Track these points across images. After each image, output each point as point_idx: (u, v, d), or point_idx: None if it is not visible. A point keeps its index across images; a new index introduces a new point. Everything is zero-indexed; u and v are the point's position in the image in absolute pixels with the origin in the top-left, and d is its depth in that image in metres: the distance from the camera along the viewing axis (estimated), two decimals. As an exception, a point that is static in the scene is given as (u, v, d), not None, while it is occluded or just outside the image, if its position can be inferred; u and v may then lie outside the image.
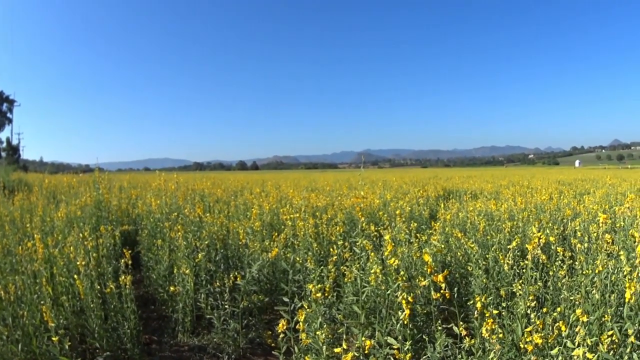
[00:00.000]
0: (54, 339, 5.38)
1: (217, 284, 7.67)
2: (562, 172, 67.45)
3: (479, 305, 4.79)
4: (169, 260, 8.70)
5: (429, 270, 4.85)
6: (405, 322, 4.56)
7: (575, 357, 3.65)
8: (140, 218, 12.14)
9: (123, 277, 6.86)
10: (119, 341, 6.86)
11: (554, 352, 3.99)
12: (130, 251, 7.63)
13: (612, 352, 4.06)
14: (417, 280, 5.76)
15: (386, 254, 5.12)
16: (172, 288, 7.82)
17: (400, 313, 4.62)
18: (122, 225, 12.02)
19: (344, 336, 5.78)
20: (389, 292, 5.26)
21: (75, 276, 6.82)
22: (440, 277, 4.64)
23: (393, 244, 5.34)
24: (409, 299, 4.53)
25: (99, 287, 6.97)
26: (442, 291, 4.73)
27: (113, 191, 16.57)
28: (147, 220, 10.81)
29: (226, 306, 7.25)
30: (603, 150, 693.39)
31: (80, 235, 8.15)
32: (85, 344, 6.94)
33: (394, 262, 5.08)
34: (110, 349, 6.76)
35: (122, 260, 7.33)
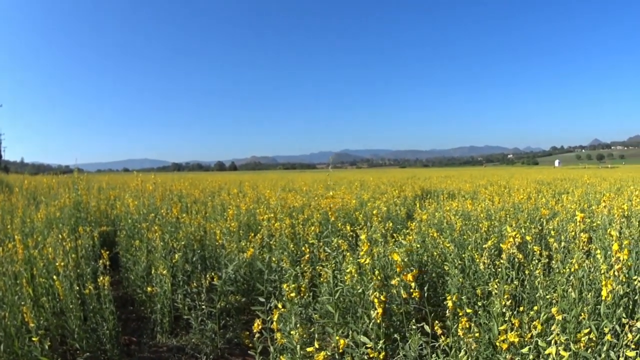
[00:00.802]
0: (34, 339, 5.39)
1: (194, 284, 7.68)
2: (542, 172, 67.52)
3: (450, 304, 4.81)
4: (147, 261, 8.70)
5: (398, 269, 4.91)
6: (379, 321, 4.60)
7: (548, 356, 3.69)
8: (119, 219, 12.12)
9: (101, 278, 6.90)
10: (99, 342, 6.88)
11: (524, 350, 4.03)
12: (108, 252, 7.64)
13: (590, 350, 4.10)
14: (392, 280, 5.81)
15: (361, 253, 5.16)
16: (149, 289, 7.87)
17: (373, 312, 4.66)
18: (101, 226, 11.95)
19: (321, 336, 5.83)
20: (360, 290, 5.32)
21: (55, 277, 6.82)
22: (409, 277, 4.71)
23: (369, 244, 5.38)
24: (382, 298, 4.58)
25: (77, 288, 6.95)
26: (411, 290, 4.79)
27: (92, 192, 16.55)
28: (125, 221, 10.83)
29: (203, 307, 7.27)
30: (583, 150, 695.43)
31: (60, 236, 8.15)
32: (66, 345, 6.94)
33: (366, 261, 5.12)
34: (90, 349, 6.77)
35: (101, 261, 7.34)
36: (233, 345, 7.51)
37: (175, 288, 7.93)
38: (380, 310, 4.55)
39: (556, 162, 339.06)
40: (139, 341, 7.76)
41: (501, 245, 5.99)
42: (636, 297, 4.87)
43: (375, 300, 4.58)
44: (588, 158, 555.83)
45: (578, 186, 21.42)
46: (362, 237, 5.66)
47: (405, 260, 7.04)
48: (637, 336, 3.85)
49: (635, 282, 4.84)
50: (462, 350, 4.16)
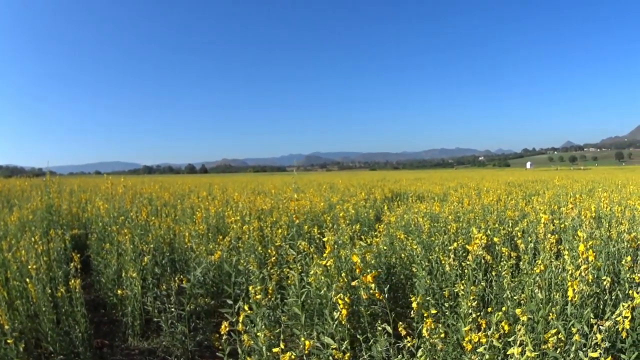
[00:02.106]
0: (9, 341, 5.42)
1: (164, 287, 7.71)
2: (513, 174, 67.89)
3: (415, 305, 4.86)
4: (118, 264, 8.71)
5: (358, 271, 4.94)
6: (343, 322, 4.64)
7: (510, 356, 3.74)
8: (90, 222, 12.15)
9: (73, 281, 6.89)
10: (72, 345, 6.87)
11: (480, 349, 4.07)
12: (80, 255, 7.66)
13: (559, 350, 4.15)
14: (362, 282, 5.86)
15: (325, 255, 5.20)
16: (119, 291, 7.91)
17: (336, 313, 4.70)
18: (73, 229, 11.96)
19: (289, 337, 5.89)
20: (322, 292, 5.37)
21: (28, 280, 6.83)
22: (369, 278, 4.74)
23: (334, 246, 5.43)
24: (346, 299, 4.60)
25: (50, 291, 6.97)
26: (371, 291, 4.84)
27: (63, 195, 16.51)
28: (96, 224, 10.81)
29: (172, 309, 7.27)
30: (555, 152, 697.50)
31: (32, 239, 8.16)
32: (40, 348, 6.93)
33: (328, 263, 5.17)
34: (64, 352, 6.77)
35: (72, 264, 7.38)
36: (203, 347, 7.54)
37: (145, 291, 7.95)
38: (344, 311, 4.57)
39: (528, 164, 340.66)
40: (111, 344, 7.74)
41: (467, 246, 6.06)
42: (606, 297, 4.95)
43: (339, 302, 4.59)
44: (560, 160, 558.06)
45: (549, 188, 21.56)
46: (325, 239, 5.72)
47: (373, 262, 7.13)
48: (601, 336, 3.90)
49: (605, 283, 4.93)
50: (420, 350, 4.19)
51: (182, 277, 7.46)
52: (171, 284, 7.34)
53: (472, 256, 5.83)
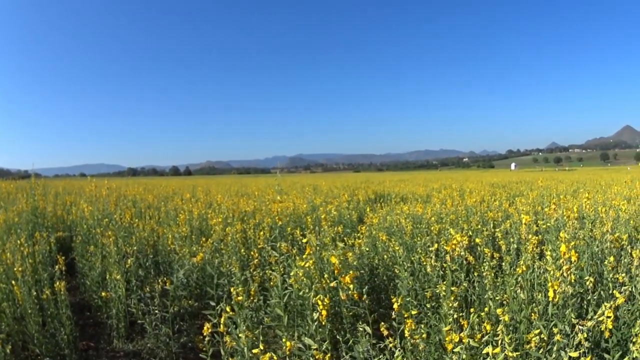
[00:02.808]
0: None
1: (148, 289, 7.73)
2: (497, 175, 67.72)
3: (395, 306, 4.87)
4: (102, 267, 8.70)
5: (336, 272, 4.96)
6: (324, 323, 4.71)
7: (492, 356, 3.75)
8: (75, 224, 12.11)
9: (58, 283, 6.91)
10: (58, 347, 6.88)
11: (456, 349, 4.08)
12: (64, 258, 7.67)
13: (541, 350, 4.16)
14: (341, 283, 5.87)
15: (304, 257, 5.22)
16: (104, 294, 7.90)
17: (315, 314, 4.74)
18: (57, 231, 11.94)
19: (273, 339, 5.92)
20: (302, 293, 5.41)
21: (13, 282, 6.83)
22: (347, 279, 4.78)
23: (316, 247, 5.46)
24: (325, 300, 4.64)
25: (35, 293, 6.98)
26: (350, 292, 4.86)
27: (49, 198, 16.45)
28: (81, 226, 10.79)
29: (156, 311, 7.31)
30: (540, 153, 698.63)
31: (18, 241, 8.15)
32: (27, 351, 6.94)
33: (307, 264, 5.19)
34: (50, 355, 6.79)
35: (57, 267, 7.40)
36: (188, 349, 7.57)
37: (129, 293, 7.96)
38: (324, 312, 4.61)
39: (512, 165, 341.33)
40: (96, 346, 7.77)
41: (445, 247, 6.09)
42: (589, 297, 4.98)
43: (319, 303, 4.64)
44: (545, 161, 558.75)
45: (533, 189, 21.48)
46: (305, 240, 5.75)
47: (355, 263, 7.16)
48: (583, 336, 3.92)
49: (588, 283, 4.96)
50: (397, 351, 4.21)
51: (165, 279, 7.49)
52: (155, 286, 7.45)
53: (450, 257, 5.85)
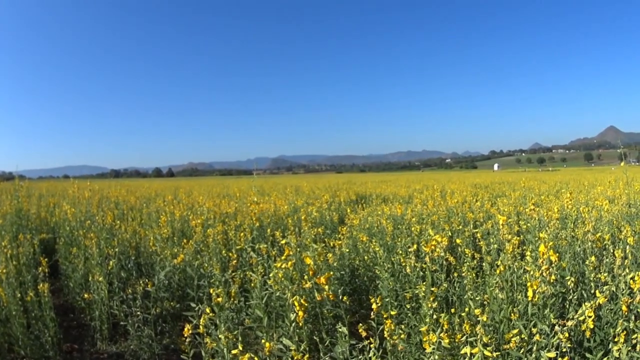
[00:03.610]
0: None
1: (130, 291, 7.69)
2: (480, 176, 67.83)
3: (374, 306, 4.87)
4: (85, 268, 8.71)
5: (310, 272, 4.97)
6: (301, 324, 4.74)
7: (464, 356, 3.76)
8: (58, 226, 12.09)
9: (41, 285, 6.93)
10: (42, 349, 6.90)
11: (428, 349, 4.10)
12: (48, 259, 7.66)
13: (522, 350, 4.17)
14: (316, 284, 5.87)
15: (283, 258, 5.23)
16: (86, 295, 7.89)
17: (292, 315, 4.77)
18: (41, 233, 11.90)
19: (255, 340, 5.92)
20: (278, 294, 5.45)
21: (-2, 284, 6.80)
22: (322, 280, 4.78)
23: (296, 249, 5.47)
24: (302, 301, 4.65)
25: (20, 295, 6.98)
26: (325, 293, 4.87)
27: (32, 199, 16.49)
28: (64, 228, 10.79)
29: (138, 313, 7.29)
30: (523, 154, 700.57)
31: (2, 243, 8.13)
32: (13, 353, 6.95)
33: (282, 265, 5.20)
34: (35, 356, 6.81)
35: (40, 269, 7.41)
36: (170, 350, 7.59)
37: (112, 295, 7.96)
38: (301, 313, 4.63)
39: (495, 166, 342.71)
40: (80, 348, 7.78)
41: (424, 248, 6.09)
42: (571, 297, 5.00)
43: (296, 304, 4.65)
44: (528, 162, 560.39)
45: (515, 189, 21.49)
46: (283, 242, 5.76)
47: (335, 264, 7.16)
48: (564, 336, 3.93)
49: (569, 283, 4.98)
50: (371, 351, 4.21)
51: (147, 280, 7.44)
52: (137, 288, 7.47)
53: (429, 257, 5.86)
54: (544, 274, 4.47)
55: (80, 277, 8.66)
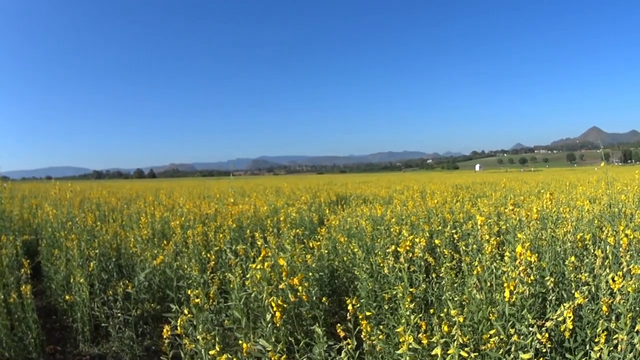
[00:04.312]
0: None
1: (111, 292, 7.68)
2: (461, 176, 67.88)
3: (350, 307, 4.89)
4: (66, 270, 8.68)
5: (284, 274, 5.04)
6: (278, 325, 4.79)
7: (436, 356, 3.78)
8: (40, 228, 12.14)
9: (24, 287, 6.97)
10: (26, 351, 6.94)
11: (400, 350, 4.12)
12: (31, 261, 7.67)
13: (501, 350, 4.18)
14: (289, 285, 5.90)
15: (259, 259, 5.25)
16: (67, 297, 7.91)
17: (268, 316, 4.85)
18: (24, 234, 11.90)
19: (234, 341, 5.93)
20: (254, 294, 5.51)
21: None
22: (295, 281, 4.85)
23: (274, 250, 5.48)
24: (279, 301, 4.71)
25: (3, 297, 6.97)
26: (298, 294, 4.90)
27: (15, 201, 16.45)
28: (46, 230, 10.80)
29: (119, 315, 7.32)
30: (505, 154, 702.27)
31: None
32: (-3, 355, 6.91)
33: (265, 266, 5.21)
34: (18, 358, 6.84)
35: (23, 270, 7.43)
36: (151, 352, 7.59)
37: (93, 296, 7.98)
38: (278, 314, 4.69)
39: (477, 167, 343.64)
40: (63, 350, 7.78)
41: (398, 248, 6.11)
42: (550, 297, 5.02)
43: (272, 304, 4.74)
44: (510, 162, 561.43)
45: (497, 190, 21.55)
46: (259, 243, 5.77)
47: (314, 265, 7.18)
48: (542, 336, 3.94)
49: (549, 283, 5.00)
50: (343, 352, 4.22)
51: (128, 282, 7.52)
52: (117, 289, 7.45)
53: (404, 258, 5.88)
54: (522, 274, 4.49)
55: (62, 278, 8.64)
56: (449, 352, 3.74)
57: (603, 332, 4.12)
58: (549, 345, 4.04)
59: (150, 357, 7.48)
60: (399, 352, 4.13)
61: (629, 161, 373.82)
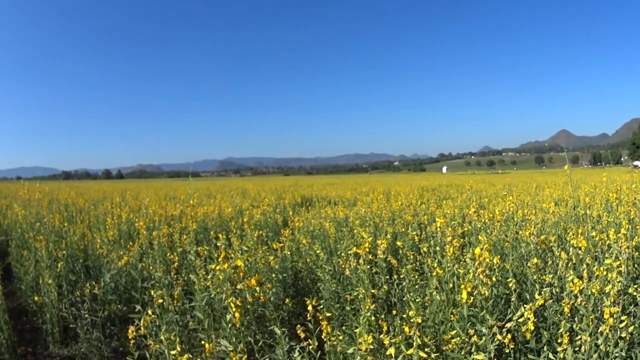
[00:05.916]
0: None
1: (78, 293, 7.75)
2: (427, 178, 68.03)
3: (310, 308, 4.96)
4: (35, 271, 8.76)
5: (241, 275, 5.12)
6: (237, 325, 4.88)
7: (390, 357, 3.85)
8: (10, 229, 12.19)
9: (-6, 288, 6.89)
10: (-2, 353, 6.90)
11: (349, 350, 4.22)
12: (1, 262, 7.69)
13: (463, 351, 4.25)
14: (264, 287, 5.94)
15: (219, 260, 5.30)
16: (36, 298, 8.04)
17: (228, 316, 4.93)
18: (-6, 236, 11.88)
19: (199, 342, 5.97)
20: (213, 295, 5.72)
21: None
22: (253, 281, 4.92)
23: (238, 251, 5.53)
24: (237, 302, 4.81)
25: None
26: (256, 294, 4.95)
27: (-15, 202, 16.37)
28: (15, 231, 10.87)
29: (87, 316, 7.39)
30: (472, 157, 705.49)
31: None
32: (-30, 356, 6.94)
33: (224, 266, 5.26)
34: (-11, 360, 6.80)
35: (-8, 271, 7.38)
36: (119, 353, 7.63)
37: (61, 298, 8.02)
38: (237, 315, 4.78)
39: (444, 169, 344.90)
40: (34, 351, 7.86)
41: (358, 250, 6.21)
42: (513, 299, 5.10)
43: (231, 305, 4.85)
44: (478, 164, 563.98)
45: (463, 192, 21.77)
46: (219, 244, 5.82)
47: (277, 267, 7.26)
48: (504, 337, 4.01)
49: (511, 285, 5.08)
50: (296, 351, 4.29)
51: (95, 283, 7.62)
52: (85, 290, 7.57)
53: (363, 260, 5.98)
54: (481, 276, 4.55)
55: (32, 279, 8.73)
56: (408, 352, 3.80)
57: (566, 332, 4.20)
58: (512, 346, 4.10)
59: (118, 358, 7.55)
60: (350, 351, 4.24)
61: (598, 164, 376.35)
